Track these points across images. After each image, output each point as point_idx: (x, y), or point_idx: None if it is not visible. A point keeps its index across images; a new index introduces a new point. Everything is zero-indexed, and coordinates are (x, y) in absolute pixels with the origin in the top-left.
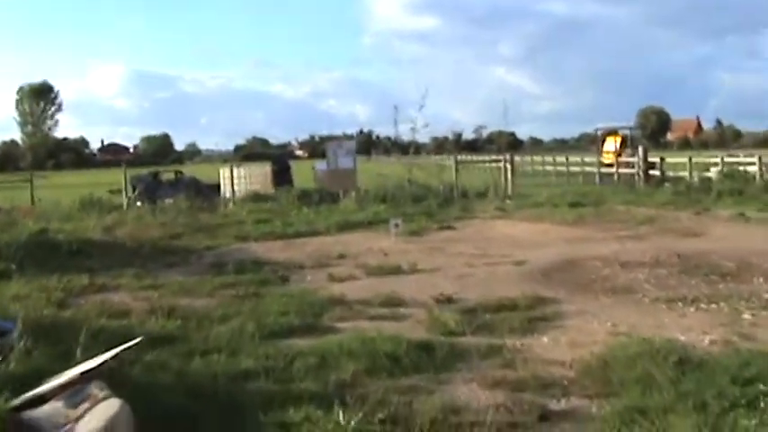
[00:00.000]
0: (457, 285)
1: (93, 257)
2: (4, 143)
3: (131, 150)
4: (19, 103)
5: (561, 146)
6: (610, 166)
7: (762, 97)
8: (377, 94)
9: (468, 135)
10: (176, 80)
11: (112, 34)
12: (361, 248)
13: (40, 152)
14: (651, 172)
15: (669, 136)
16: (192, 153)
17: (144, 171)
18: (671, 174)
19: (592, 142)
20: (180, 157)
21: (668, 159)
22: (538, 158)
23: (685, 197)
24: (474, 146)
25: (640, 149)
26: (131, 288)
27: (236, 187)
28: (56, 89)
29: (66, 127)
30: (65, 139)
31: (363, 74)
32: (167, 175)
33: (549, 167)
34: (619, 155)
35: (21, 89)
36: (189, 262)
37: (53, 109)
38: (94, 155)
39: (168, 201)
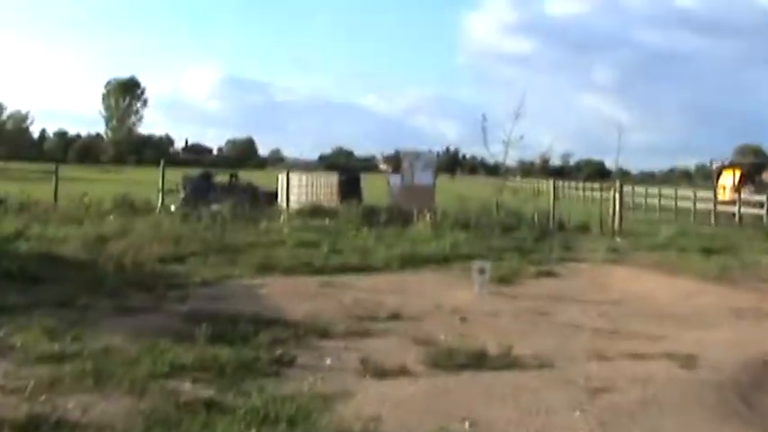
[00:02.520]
0: (591, 412)
1: (32, 283)
2: (89, 136)
3: (215, 152)
4: (105, 97)
5: (649, 179)
6: (727, 203)
7: None
8: (467, 114)
9: (556, 161)
10: (268, 86)
11: (208, 37)
12: (427, 303)
13: (122, 147)
14: None
15: (765, 176)
16: (275, 159)
17: (197, 172)
18: None
19: (706, 176)
20: (263, 163)
21: None
22: (640, 189)
23: None
24: (561, 172)
25: None
26: (16, 359)
27: (294, 197)
28: (142, 85)
29: (153, 125)
30: (149, 136)
31: (455, 93)
32: (221, 177)
33: (652, 200)
34: (737, 191)
35: (108, 83)
36: (161, 307)
37: (138, 105)
38: (178, 154)
39: (215, 207)
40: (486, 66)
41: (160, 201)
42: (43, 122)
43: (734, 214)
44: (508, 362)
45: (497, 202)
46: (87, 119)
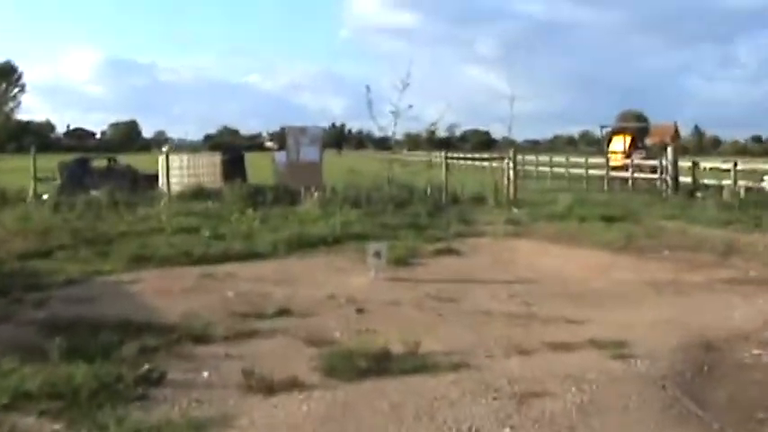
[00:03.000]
0: (523, 427)
1: None
2: None
3: (98, 136)
4: None
5: (534, 147)
6: (620, 168)
7: (735, 105)
8: (352, 89)
9: (442, 132)
10: (150, 68)
11: (86, 19)
12: (319, 293)
13: (1, 134)
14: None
15: (648, 141)
16: (160, 141)
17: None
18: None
19: (590, 142)
20: (147, 145)
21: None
22: (530, 158)
23: (739, 213)
24: (447, 143)
25: (669, 151)
26: None
27: (176, 179)
28: (19, 70)
29: (33, 110)
30: (29, 122)
31: (339, 68)
32: (99, 162)
33: (543, 168)
34: (628, 156)
35: None
36: (13, 315)
37: (16, 90)
38: (59, 139)
39: (94, 193)
40: (369, 40)
41: (32, 190)
42: None
43: (627, 180)
44: (416, 363)
45: (388, 177)
46: None
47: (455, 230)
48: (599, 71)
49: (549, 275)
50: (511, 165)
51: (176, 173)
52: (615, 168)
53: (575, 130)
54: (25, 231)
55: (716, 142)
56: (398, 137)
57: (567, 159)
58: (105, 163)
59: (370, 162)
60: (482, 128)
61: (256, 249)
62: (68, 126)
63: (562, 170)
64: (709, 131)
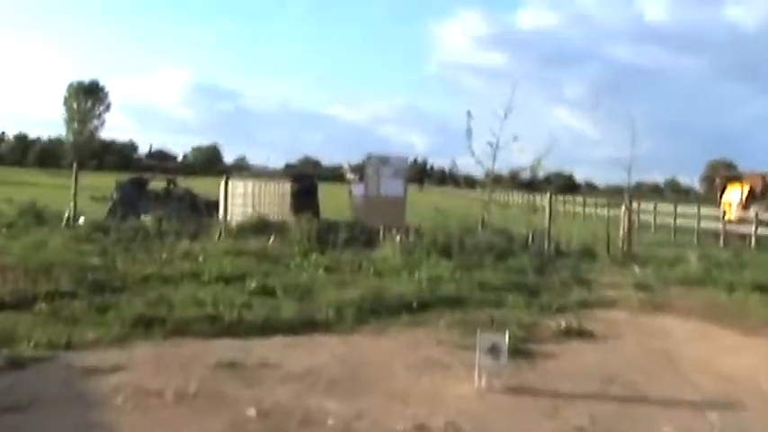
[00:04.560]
0: None
1: None
2: (50, 140)
3: (179, 159)
4: (67, 100)
5: (617, 192)
6: (735, 222)
7: None
8: (436, 125)
9: (527, 173)
10: (238, 94)
11: (178, 42)
12: (401, 415)
13: (83, 151)
14: None
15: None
16: (240, 167)
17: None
18: None
19: (675, 190)
20: (227, 170)
21: None
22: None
23: None
24: (530, 185)
25: None
26: None
27: (238, 208)
28: (105, 89)
29: (120, 130)
30: (111, 140)
31: (425, 103)
32: (158, 184)
33: (645, 217)
34: (745, 207)
35: (70, 86)
36: None
37: (101, 108)
38: (141, 159)
39: (145, 218)
40: (456, 77)
41: (69, 212)
42: (4, 125)
43: (744, 235)
44: None
45: (483, 219)
46: (49, 123)
47: (575, 297)
48: (686, 118)
49: (748, 389)
50: (628, 213)
51: (239, 201)
52: (730, 222)
53: (659, 178)
54: (24, 265)
55: None
56: (480, 175)
57: (675, 209)
58: (164, 185)
59: (457, 201)
60: (565, 170)
61: (314, 316)
62: (150, 147)
63: (668, 220)
64: None
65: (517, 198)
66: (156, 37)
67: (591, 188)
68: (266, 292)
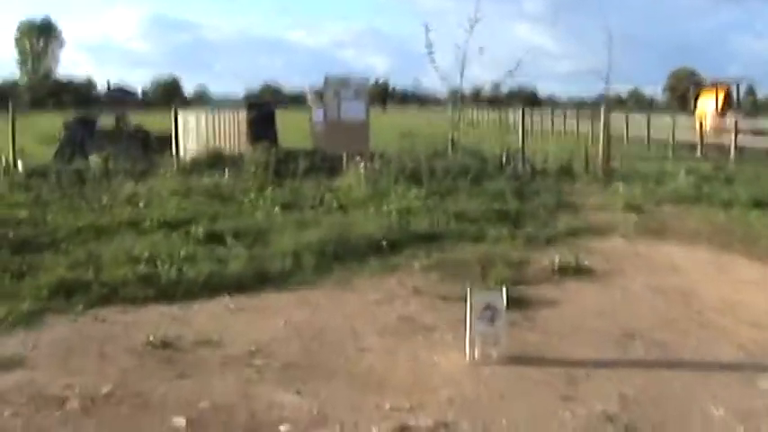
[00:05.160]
0: None
1: None
2: (3, 81)
3: (139, 95)
4: (18, 40)
5: (579, 105)
6: (714, 131)
7: None
8: (396, 46)
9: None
10: (195, 25)
11: None
12: (376, 405)
13: (39, 92)
14: None
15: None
16: (202, 98)
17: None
18: None
19: (638, 101)
20: (188, 102)
21: None
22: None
23: None
24: (493, 102)
25: None
26: None
27: (191, 143)
28: (58, 27)
29: (76, 67)
30: (69, 80)
31: (384, 25)
32: (106, 121)
33: (616, 129)
34: (721, 116)
35: (21, 25)
36: None
37: (55, 47)
38: (100, 97)
39: (93, 159)
40: None
41: (6, 158)
42: None
43: (721, 146)
44: None
45: (452, 140)
46: (1, 64)
47: (563, 224)
48: (645, 29)
49: None
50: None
51: (192, 135)
52: (706, 131)
53: (622, 89)
54: None
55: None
56: (442, 93)
57: (649, 119)
58: (113, 123)
59: (420, 121)
60: (527, 85)
61: (267, 267)
62: (108, 83)
63: (640, 132)
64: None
65: (484, 115)
66: None
67: (553, 102)
68: (214, 238)
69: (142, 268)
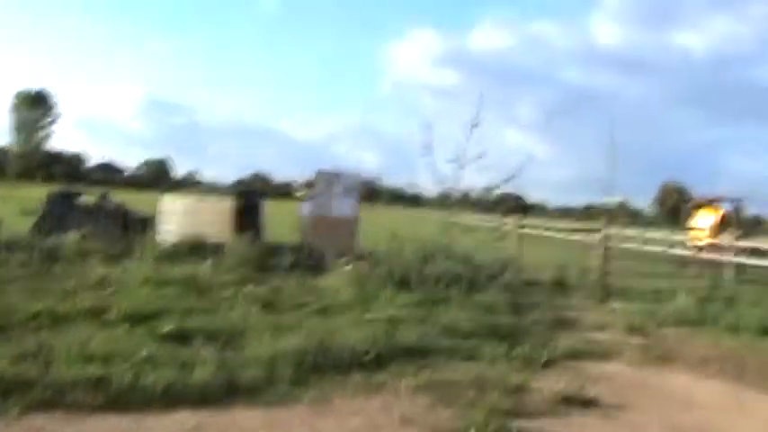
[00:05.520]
0: None
1: None
2: None
3: (126, 172)
4: (14, 109)
5: (567, 214)
6: (709, 250)
7: None
8: (389, 144)
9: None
10: (190, 109)
11: (131, 57)
12: None
13: (29, 162)
14: None
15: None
16: (192, 182)
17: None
18: None
19: (628, 213)
20: (177, 185)
21: None
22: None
23: None
24: (481, 207)
25: None
26: None
27: (173, 227)
28: (54, 99)
29: (70, 142)
30: (59, 152)
31: (378, 122)
32: (89, 198)
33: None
34: (717, 234)
35: (17, 95)
36: None
37: (49, 119)
38: (89, 172)
39: (72, 235)
40: (410, 96)
41: None
42: None
43: (715, 263)
44: None
45: (446, 247)
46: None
47: (562, 345)
48: (637, 142)
49: None
50: (600, 238)
51: (174, 219)
52: (701, 249)
53: (609, 200)
54: None
55: (756, 221)
56: (431, 194)
57: (644, 235)
58: (95, 199)
59: (410, 221)
60: (516, 192)
61: (237, 376)
62: (100, 159)
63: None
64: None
65: (476, 220)
66: (111, 50)
67: (542, 210)
68: (182, 337)
69: (95, 369)
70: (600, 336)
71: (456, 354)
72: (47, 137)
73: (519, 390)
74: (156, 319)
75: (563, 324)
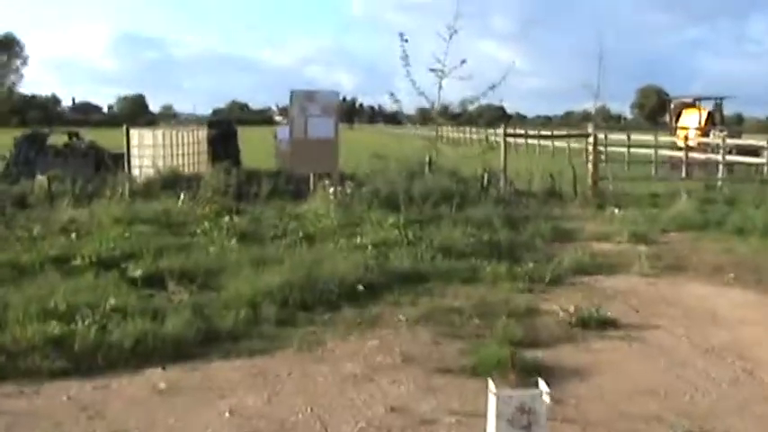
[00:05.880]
0: None
1: None
2: None
3: (104, 110)
4: None
5: (547, 122)
6: (695, 149)
7: (751, 83)
8: (364, 64)
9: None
10: (162, 43)
11: None
12: None
13: (2, 108)
14: None
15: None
16: (168, 116)
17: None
18: None
19: (606, 118)
20: (154, 120)
21: None
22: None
23: None
24: (459, 119)
25: None
26: None
27: (147, 161)
28: (21, 42)
29: (42, 85)
30: (33, 96)
31: (351, 43)
32: (59, 138)
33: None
34: (704, 134)
35: None
36: None
37: (18, 62)
38: (65, 113)
39: (40, 178)
40: (383, 15)
41: None
42: None
43: (705, 163)
44: None
45: (430, 160)
46: None
47: (567, 259)
48: (612, 47)
49: None
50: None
51: (148, 152)
52: (689, 149)
53: (589, 106)
54: None
55: (738, 119)
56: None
57: (629, 138)
58: (65, 140)
59: (390, 139)
60: (495, 103)
61: (215, 322)
62: (74, 100)
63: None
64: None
65: (460, 133)
66: None
67: (521, 120)
68: (154, 281)
69: (55, 327)
70: (604, 246)
71: (454, 276)
72: (18, 80)
73: (528, 314)
74: (126, 262)
75: (563, 236)
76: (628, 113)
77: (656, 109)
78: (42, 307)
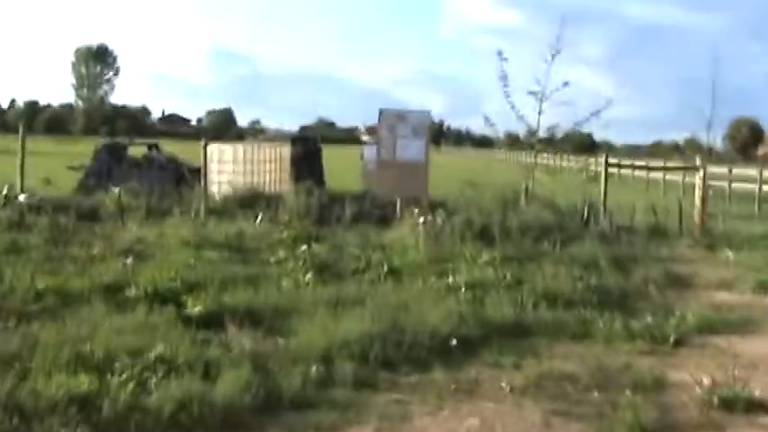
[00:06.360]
0: None
1: None
2: (60, 106)
3: (193, 123)
4: (75, 65)
5: (635, 152)
6: None
7: None
8: (451, 87)
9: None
10: (253, 58)
11: (194, 8)
12: None
13: (93, 117)
14: None
15: (760, 150)
16: (255, 131)
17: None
18: None
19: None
20: (241, 134)
21: None
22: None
23: None
24: (548, 144)
25: None
26: None
27: (225, 177)
28: (114, 53)
29: (134, 95)
30: (123, 106)
31: (441, 66)
32: (139, 150)
33: (689, 180)
34: None
35: (78, 51)
36: None
37: (110, 73)
38: (154, 125)
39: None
40: (473, 39)
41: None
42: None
43: None
44: None
45: (527, 189)
46: (59, 89)
47: (691, 313)
48: (706, 77)
49: None
50: (698, 181)
51: (227, 168)
52: None
53: (678, 137)
54: None
55: None
56: (499, 135)
57: (731, 172)
58: (145, 151)
59: (480, 163)
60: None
61: (278, 379)
62: (163, 111)
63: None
64: None
65: (557, 161)
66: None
67: (609, 148)
68: (213, 321)
69: (85, 382)
70: (727, 297)
71: (562, 331)
72: (110, 91)
73: (655, 386)
74: (185, 297)
75: (677, 282)
76: (719, 145)
77: (749, 141)
78: (76, 352)
